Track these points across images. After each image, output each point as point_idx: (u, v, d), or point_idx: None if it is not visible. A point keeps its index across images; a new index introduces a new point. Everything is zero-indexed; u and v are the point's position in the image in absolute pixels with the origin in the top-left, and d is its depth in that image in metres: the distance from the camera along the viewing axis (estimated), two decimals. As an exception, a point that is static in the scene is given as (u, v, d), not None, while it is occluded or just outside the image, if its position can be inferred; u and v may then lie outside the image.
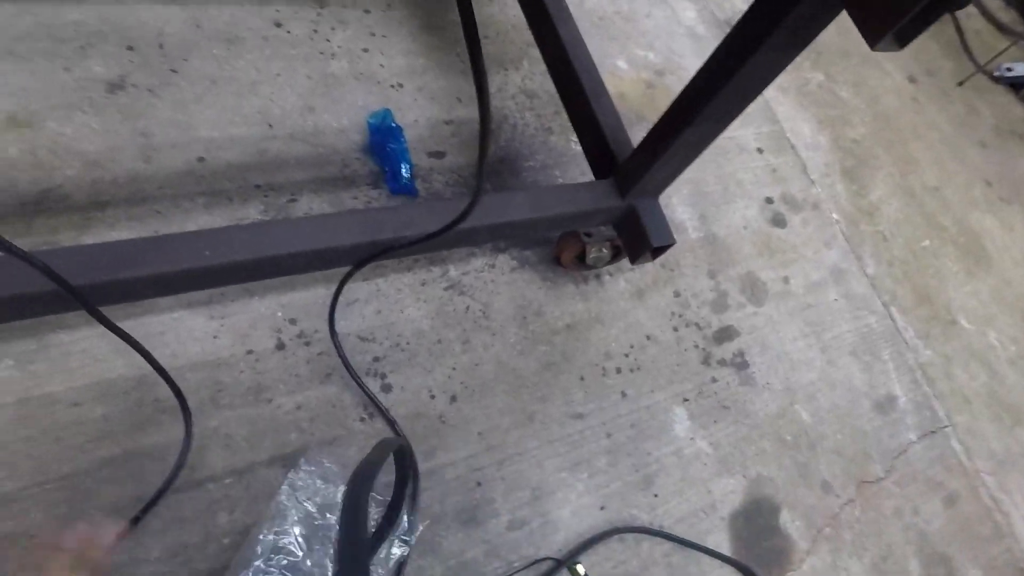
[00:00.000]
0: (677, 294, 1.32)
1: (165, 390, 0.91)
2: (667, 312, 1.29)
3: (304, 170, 1.15)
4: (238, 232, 0.76)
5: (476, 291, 1.16)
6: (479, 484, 1.02)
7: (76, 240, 0.97)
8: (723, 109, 0.83)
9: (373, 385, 1.03)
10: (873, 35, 0.53)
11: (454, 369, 1.08)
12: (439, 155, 1.26)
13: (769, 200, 1.55)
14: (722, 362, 1.29)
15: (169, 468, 0.87)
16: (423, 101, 1.30)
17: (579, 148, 1.36)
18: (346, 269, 0.89)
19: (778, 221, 1.53)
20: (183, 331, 0.97)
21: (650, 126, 0.94)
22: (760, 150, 1.62)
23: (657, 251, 1.03)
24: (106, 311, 0.66)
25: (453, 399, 1.06)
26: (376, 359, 1.05)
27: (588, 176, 1.31)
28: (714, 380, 1.26)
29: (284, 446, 0.95)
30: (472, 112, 1.33)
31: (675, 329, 1.28)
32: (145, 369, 0.92)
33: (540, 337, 1.16)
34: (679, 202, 1.44)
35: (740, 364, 1.30)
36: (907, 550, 1.24)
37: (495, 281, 1.18)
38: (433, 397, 1.05)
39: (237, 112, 1.14)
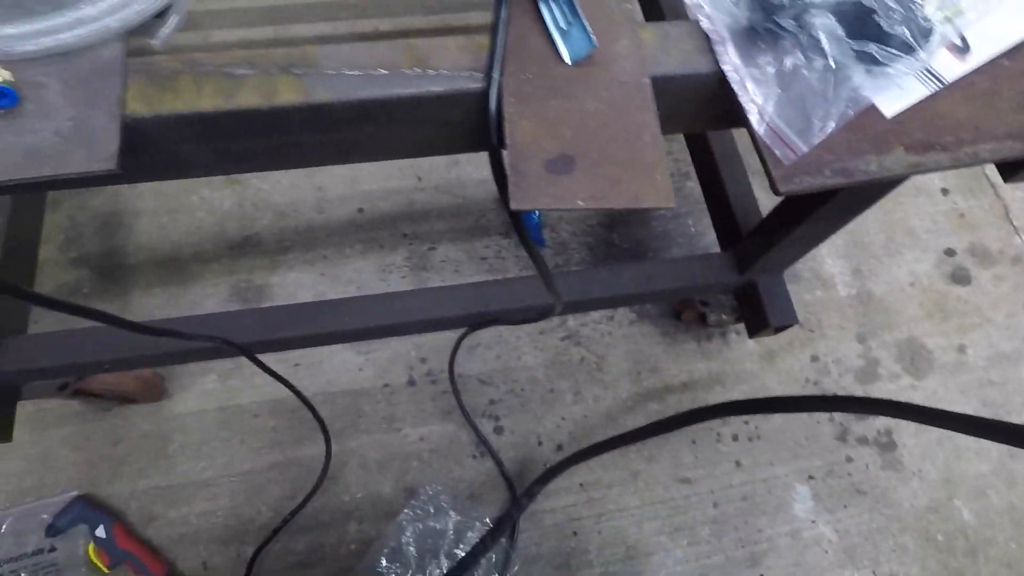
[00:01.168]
0: (815, 358, 1.23)
1: (323, 409, 1.11)
2: (800, 378, 1.21)
3: (445, 220, 1.27)
4: (372, 302, 0.90)
5: (592, 343, 1.20)
6: (575, 534, 1.07)
7: (266, 279, 1.20)
8: (869, 191, 0.76)
9: (487, 426, 1.13)
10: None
11: (563, 419, 1.14)
12: (571, 204, 1.31)
13: (950, 252, 1.35)
14: (862, 440, 1.18)
15: (316, 476, 1.06)
16: (560, 150, 1.35)
17: (716, 196, 1.31)
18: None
19: (960, 277, 1.33)
20: (337, 363, 1.15)
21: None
22: (945, 191, 1.41)
23: (778, 329, 0.98)
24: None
25: (559, 448, 1.12)
26: (492, 402, 1.15)
27: (720, 231, 1.27)
28: (849, 460, 1.16)
29: (406, 472, 1.09)
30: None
31: (807, 398, 1.19)
32: (307, 390, 1.13)
33: (653, 394, 1.17)
34: (829, 253, 1.32)
35: (886, 444, 1.18)
36: None
37: (612, 334, 1.21)
38: (541, 444, 1.12)
39: (393, 166, 1.30)
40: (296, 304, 0.92)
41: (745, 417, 1.16)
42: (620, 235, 1.29)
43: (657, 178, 0.40)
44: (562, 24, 0.43)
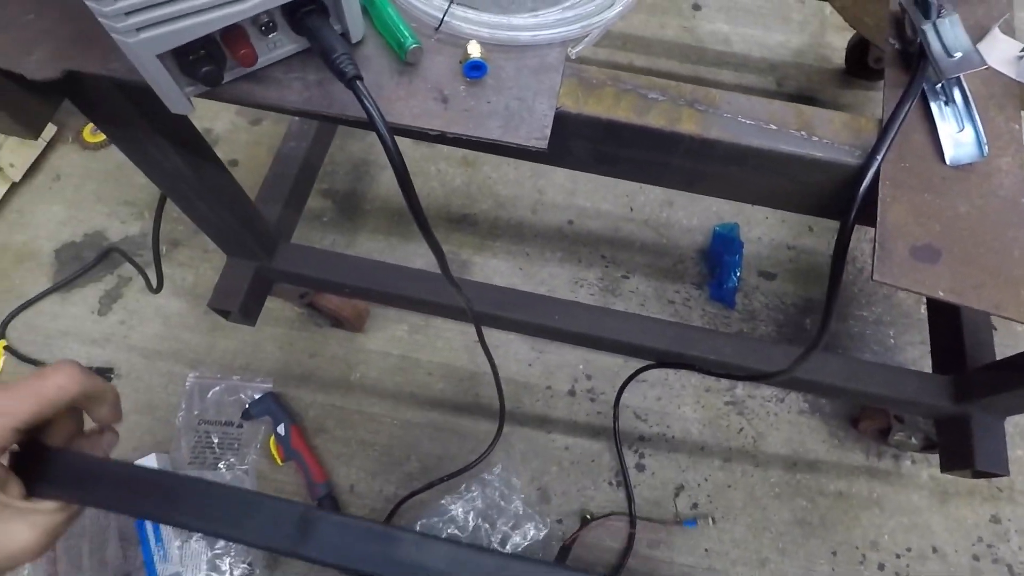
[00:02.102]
0: (996, 520, 1.13)
1: (487, 389, 1.19)
2: (972, 534, 1.12)
3: (644, 255, 1.32)
4: (582, 310, 0.96)
5: (755, 417, 1.18)
6: (688, 595, 1.06)
7: (471, 257, 1.31)
8: None
9: (631, 459, 1.15)
10: None
11: (706, 480, 1.14)
12: (769, 276, 1.30)
13: None
14: (1023, 621, 1.07)
15: (466, 448, 1.13)
16: (774, 221, 1.35)
17: (927, 316, 1.25)
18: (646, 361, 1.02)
19: None
20: (511, 351, 1.23)
21: None
22: None
23: (981, 473, 0.92)
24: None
25: (694, 506, 1.12)
26: (641, 438, 1.17)
27: (925, 353, 1.21)
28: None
29: (544, 473, 1.14)
30: (818, 244, 1.33)
31: (975, 558, 1.10)
32: (480, 368, 1.21)
33: (803, 490, 1.14)
34: (1040, 417, 1.21)
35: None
36: None
37: (778, 416, 1.19)
38: (677, 495, 1.13)
39: (611, 191, 1.37)
40: (515, 290, 1.00)
41: (899, 551, 1.10)
42: (814, 323, 1.26)
43: (1022, 293, 0.41)
44: (954, 128, 0.46)
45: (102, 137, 1.41)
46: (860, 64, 1.44)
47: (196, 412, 1.18)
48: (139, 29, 0.38)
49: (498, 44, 0.49)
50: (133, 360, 1.24)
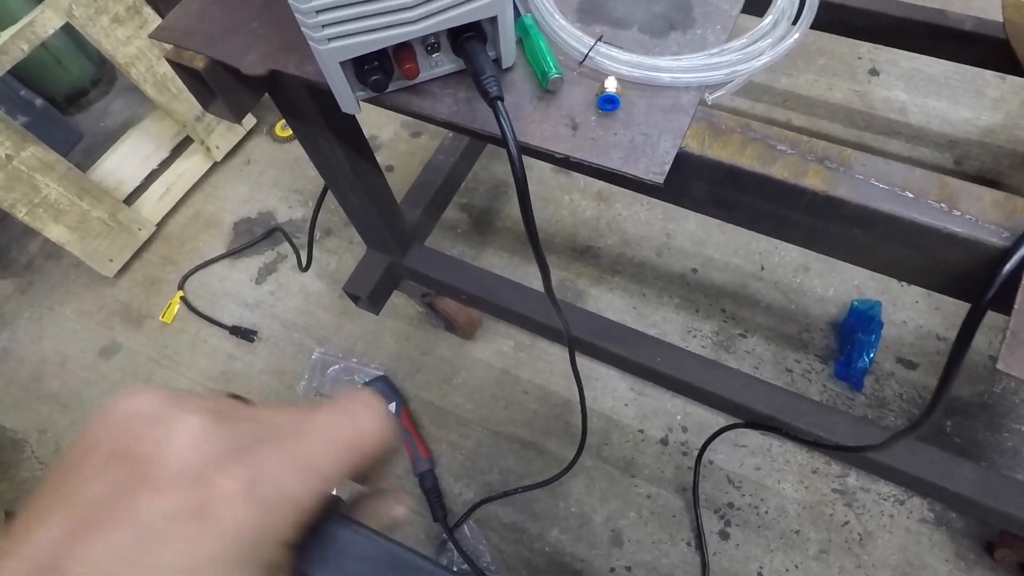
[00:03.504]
0: None
1: (577, 418, 1.19)
2: None
3: (767, 316, 1.26)
4: (689, 359, 0.94)
5: (866, 514, 1.07)
6: None
7: (587, 288, 1.33)
8: None
9: (714, 524, 1.09)
10: None
11: (796, 567, 1.05)
12: (910, 365, 1.18)
13: None
14: None
15: (548, 471, 1.14)
16: (925, 307, 1.23)
17: (1108, 447, 1.06)
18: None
19: None
20: (609, 386, 1.22)
21: None
22: None
23: None
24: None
25: (777, 592, 1.04)
26: (730, 505, 1.10)
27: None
28: None
29: (621, 517, 1.11)
30: (978, 341, 1.18)
31: None
32: (575, 397, 1.22)
33: (911, 609, 1.01)
34: None
35: None
36: None
37: (894, 518, 1.07)
38: (760, 575, 1.05)
39: (743, 245, 1.33)
40: (620, 323, 1.00)
41: None
42: (956, 425, 1.13)
43: None
44: None
45: (289, 132, 1.63)
46: (1059, 150, 1.28)
47: (315, 384, 1.30)
48: (330, 39, 0.45)
49: (636, 82, 0.52)
50: (274, 327, 1.40)
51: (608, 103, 0.50)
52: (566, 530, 1.12)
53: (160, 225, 1.56)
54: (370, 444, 0.26)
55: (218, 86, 0.63)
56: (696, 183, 0.52)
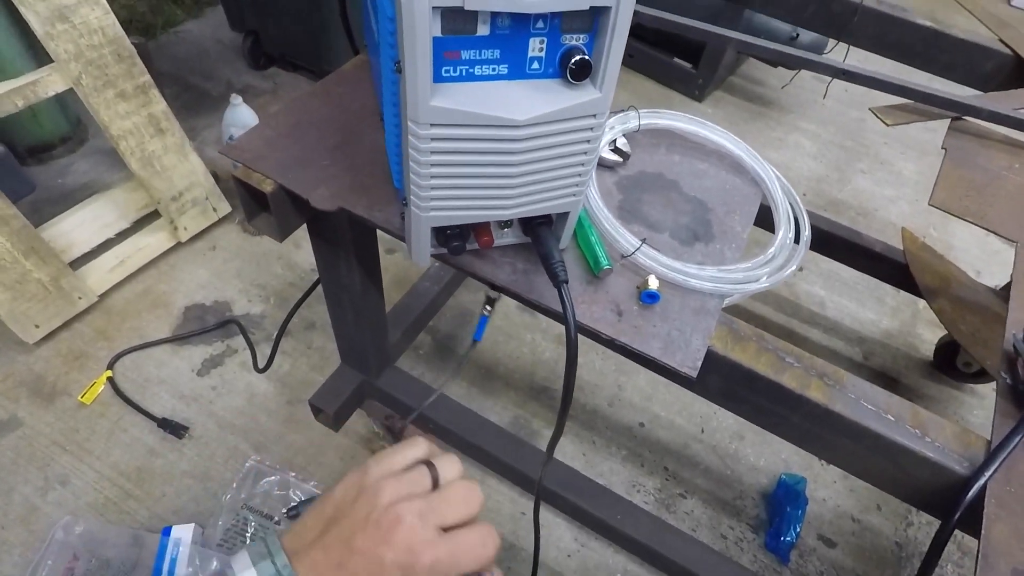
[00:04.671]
0: None
1: (520, 568, 1.17)
2: None
3: (705, 479, 1.33)
4: (647, 519, 0.98)
5: None
6: None
7: (541, 428, 1.36)
8: None
9: None
10: None
11: None
12: (830, 544, 1.27)
13: None
14: None
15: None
16: (842, 489, 1.35)
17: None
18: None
19: None
20: (554, 535, 1.22)
21: None
22: None
23: None
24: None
25: None
26: (664, 676, 1.09)
27: None
28: None
29: None
30: (884, 526, 1.31)
31: None
32: (519, 542, 1.21)
33: None
34: None
35: None
36: None
37: None
38: None
39: (687, 408, 1.42)
40: (585, 476, 1.03)
41: None
42: (868, 609, 1.20)
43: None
44: (1059, 470, 0.51)
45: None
46: (948, 363, 1.51)
47: (243, 495, 1.21)
48: (433, 209, 0.51)
49: (670, 282, 0.60)
50: (208, 426, 1.31)
51: (650, 298, 0.58)
52: None
53: (103, 297, 1.47)
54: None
55: (277, 209, 0.66)
56: (713, 377, 0.59)
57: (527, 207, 0.53)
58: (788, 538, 1.23)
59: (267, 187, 0.64)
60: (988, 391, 1.56)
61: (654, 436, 1.38)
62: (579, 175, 0.52)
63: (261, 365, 1.25)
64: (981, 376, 1.51)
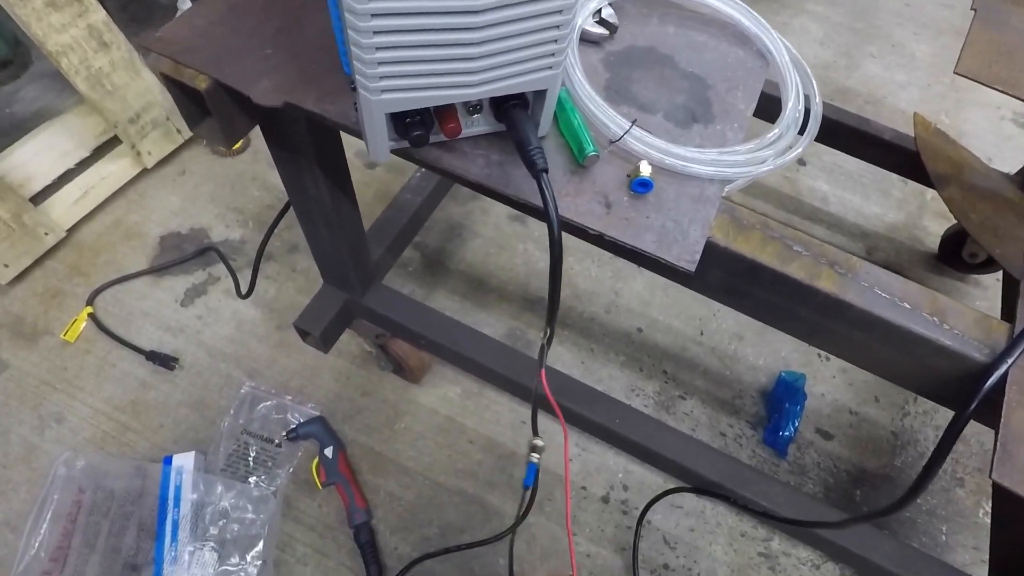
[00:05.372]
0: None
1: (522, 471, 1.18)
2: None
3: (705, 380, 1.32)
4: (644, 421, 0.96)
5: (788, 578, 1.13)
6: None
7: (537, 339, 1.33)
8: None
9: (651, 586, 1.10)
10: None
11: (724, 631, 1.08)
12: (827, 436, 1.28)
13: None
14: None
15: (490, 527, 1.11)
16: (841, 383, 1.34)
17: (987, 521, 1.19)
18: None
19: None
20: (555, 441, 1.22)
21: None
22: None
23: None
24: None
25: (707, 656, 1.06)
26: (666, 566, 1.12)
27: (977, 559, 1.15)
28: None
29: (560, 576, 1.10)
30: (881, 416, 1.31)
31: None
32: (521, 449, 1.21)
33: (826, 672, 1.06)
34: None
35: None
36: None
37: (812, 583, 1.13)
38: (691, 639, 1.07)
39: (686, 310, 1.39)
40: (583, 383, 1.01)
41: None
42: (864, 496, 1.22)
43: None
44: (1089, 350, 0.47)
45: (239, 146, 1.54)
46: (954, 255, 1.47)
47: (242, 421, 1.20)
48: (384, 91, 0.44)
49: (665, 168, 0.54)
50: (199, 355, 1.28)
51: (642, 186, 0.52)
52: (501, 590, 1.09)
53: (71, 231, 1.40)
54: None
55: (217, 110, 0.58)
56: (714, 271, 0.54)
57: (495, 84, 0.45)
58: (786, 433, 1.23)
59: (201, 84, 0.56)
60: (992, 281, 1.53)
61: (652, 340, 1.36)
62: (555, 41, 0.44)
63: (244, 291, 1.20)
64: (987, 267, 1.47)
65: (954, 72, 0.73)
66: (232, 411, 1.21)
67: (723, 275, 0.54)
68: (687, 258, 0.49)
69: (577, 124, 0.54)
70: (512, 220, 1.50)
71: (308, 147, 0.70)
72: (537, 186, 0.47)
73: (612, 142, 0.55)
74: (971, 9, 0.82)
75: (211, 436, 1.19)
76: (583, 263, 1.44)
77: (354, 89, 0.45)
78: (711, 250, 0.51)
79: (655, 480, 1.19)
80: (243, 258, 1.40)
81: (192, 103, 0.60)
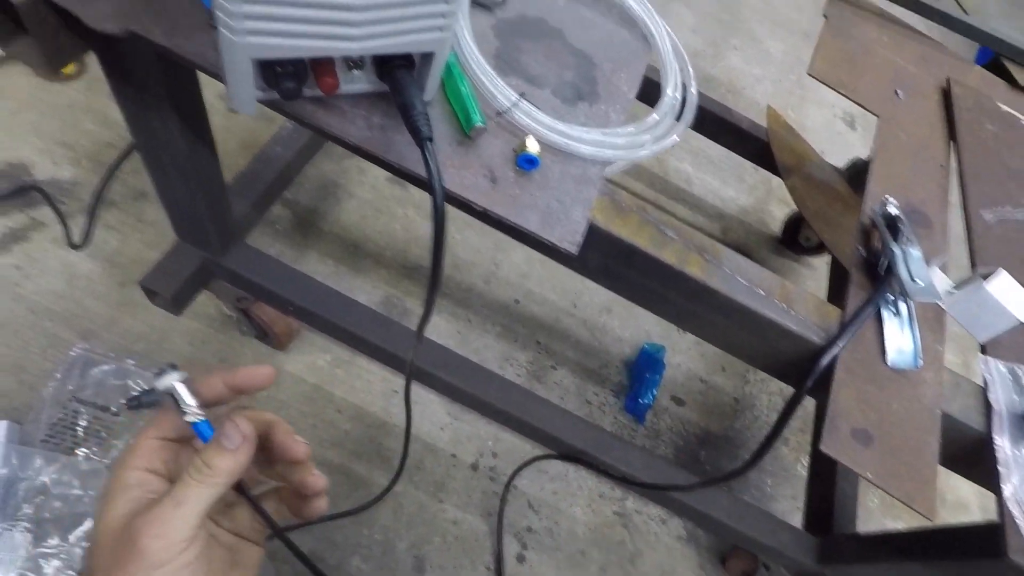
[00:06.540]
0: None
1: (392, 442, 1.16)
2: None
3: (574, 351, 1.37)
4: (515, 390, 0.98)
5: (639, 534, 1.23)
6: None
7: (415, 307, 1.31)
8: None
9: (514, 547, 1.15)
10: None
11: (580, 585, 1.15)
12: (680, 403, 1.39)
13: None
14: None
15: (356, 497, 1.09)
16: (695, 355, 1.46)
17: (803, 474, 1.38)
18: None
19: None
20: (427, 411, 1.22)
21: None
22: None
23: (824, 633, 1.00)
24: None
25: (563, 609, 1.13)
26: (529, 529, 1.17)
27: (795, 508, 1.32)
28: None
29: (425, 543, 1.11)
30: (726, 384, 1.45)
31: None
32: (391, 419, 1.19)
33: (665, 615, 1.17)
34: None
35: None
36: None
37: (658, 536, 1.24)
38: (550, 595, 1.13)
39: (560, 284, 1.43)
40: (457, 353, 1.01)
41: None
42: (707, 455, 1.35)
43: (927, 491, 0.48)
44: (898, 336, 0.54)
45: (70, 70, 1.32)
46: (792, 238, 1.64)
47: (71, 387, 1.06)
48: (251, 33, 0.38)
49: (551, 145, 0.53)
50: (17, 311, 1.11)
51: (528, 163, 0.51)
52: (367, 558, 1.08)
53: None
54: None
55: (36, 28, 0.48)
56: (592, 253, 0.55)
57: (379, 40, 0.42)
58: (645, 400, 1.33)
59: (17, -7, 0.46)
60: (821, 263, 1.73)
61: (528, 312, 1.39)
62: (446, 1, 0.41)
63: (78, 240, 1.05)
64: (818, 250, 1.66)
65: (807, 73, 0.80)
66: (59, 375, 1.06)
67: (601, 257, 0.55)
68: (570, 239, 0.50)
69: (465, 93, 0.51)
70: (391, 183, 1.44)
71: (158, 84, 0.61)
72: (421, 155, 0.44)
73: (499, 113, 0.53)
74: (823, 16, 0.90)
75: (30, 403, 1.04)
76: (464, 232, 1.43)
77: (215, 27, 0.40)
78: (591, 232, 0.52)
79: (524, 447, 1.23)
80: (76, 203, 1.22)
81: (7, 18, 0.49)
